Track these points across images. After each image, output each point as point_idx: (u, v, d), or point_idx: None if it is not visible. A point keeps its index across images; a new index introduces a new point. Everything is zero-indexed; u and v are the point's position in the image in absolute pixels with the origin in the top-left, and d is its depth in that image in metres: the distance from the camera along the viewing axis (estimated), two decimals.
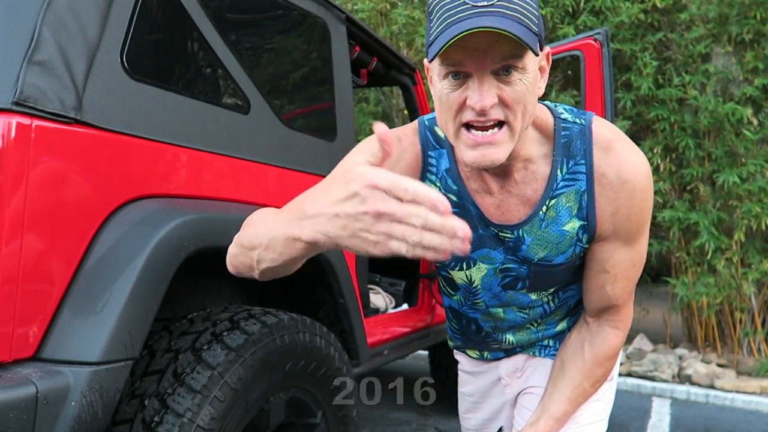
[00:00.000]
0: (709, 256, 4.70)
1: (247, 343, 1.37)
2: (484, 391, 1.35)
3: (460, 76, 0.87)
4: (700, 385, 4.42)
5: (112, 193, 1.26)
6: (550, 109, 1.04)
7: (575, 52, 2.57)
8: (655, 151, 5.03)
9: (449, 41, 0.81)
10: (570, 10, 5.35)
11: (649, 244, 4.82)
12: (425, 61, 0.95)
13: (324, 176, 1.96)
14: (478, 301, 1.17)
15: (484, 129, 0.88)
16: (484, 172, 1.03)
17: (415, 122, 1.13)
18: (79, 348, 1.14)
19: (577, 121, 1.02)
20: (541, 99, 1.02)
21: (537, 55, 0.86)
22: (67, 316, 1.16)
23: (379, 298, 2.92)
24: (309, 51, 1.96)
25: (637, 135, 5.44)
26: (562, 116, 1.03)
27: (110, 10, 1.29)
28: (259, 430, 1.47)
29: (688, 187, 5.06)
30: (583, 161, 1.00)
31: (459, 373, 1.42)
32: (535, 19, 0.85)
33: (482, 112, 0.86)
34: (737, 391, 4.30)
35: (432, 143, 1.09)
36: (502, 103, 0.87)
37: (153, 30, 1.41)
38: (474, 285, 1.14)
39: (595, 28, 4.47)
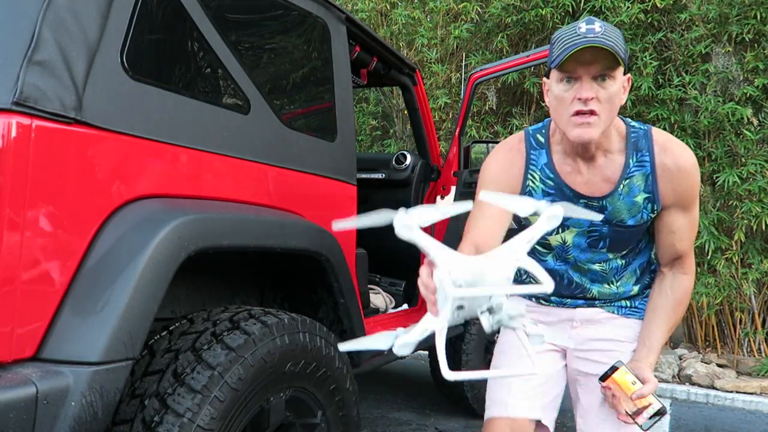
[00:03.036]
0: (709, 256, 4.69)
1: (247, 343, 1.37)
2: (548, 325, 1.63)
3: (572, 80, 1.33)
4: (700, 385, 4.41)
5: (112, 193, 1.26)
6: (623, 119, 1.49)
7: None
8: None
9: (570, 53, 1.28)
10: (570, 10, 5.36)
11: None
12: (543, 78, 1.44)
13: (324, 176, 1.98)
14: (569, 256, 1.56)
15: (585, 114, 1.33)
16: (577, 158, 1.46)
17: (522, 133, 1.57)
18: (79, 348, 1.14)
19: (642, 127, 1.48)
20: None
21: (624, 72, 1.35)
22: (67, 316, 1.16)
23: (379, 298, 2.92)
24: (309, 51, 1.96)
25: None
26: (632, 124, 1.48)
27: (110, 10, 1.29)
28: (259, 430, 1.47)
29: None
30: (647, 153, 1.45)
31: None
32: (623, 49, 1.32)
33: (585, 102, 1.31)
34: (737, 391, 4.30)
35: (534, 145, 1.53)
36: (597, 99, 1.32)
37: (153, 30, 1.41)
38: (566, 244, 1.55)
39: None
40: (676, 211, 1.47)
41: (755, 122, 4.73)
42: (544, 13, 5.31)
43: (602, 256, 1.55)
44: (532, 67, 4.67)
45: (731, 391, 4.30)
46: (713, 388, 4.38)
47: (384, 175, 3.23)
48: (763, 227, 4.53)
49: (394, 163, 3.20)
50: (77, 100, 1.19)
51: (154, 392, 1.27)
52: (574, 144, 1.41)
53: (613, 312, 1.59)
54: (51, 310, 1.15)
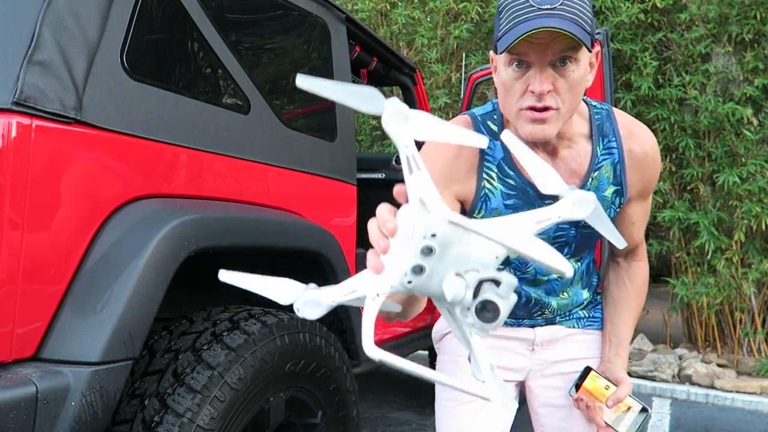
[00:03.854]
0: (709, 256, 4.69)
1: (247, 343, 1.37)
2: (507, 350, 1.41)
3: (523, 65, 1.06)
4: (700, 385, 4.42)
5: (112, 193, 1.26)
6: (583, 98, 1.23)
7: None
8: None
9: (518, 38, 1.00)
10: None
11: (649, 245, 4.85)
12: (491, 53, 1.15)
13: (324, 176, 1.98)
14: (529, 268, 1.32)
15: (540, 111, 1.07)
16: (537, 150, 1.19)
17: (467, 117, 1.27)
18: (79, 348, 1.14)
19: (603, 107, 1.26)
20: None
21: (590, 51, 1.07)
22: (67, 316, 1.16)
23: None
24: (309, 51, 1.96)
25: None
26: (593, 104, 1.26)
27: (110, 10, 1.29)
28: (259, 430, 1.47)
29: (688, 187, 5.06)
30: (614, 138, 1.23)
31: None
32: (589, 21, 1.06)
33: (540, 96, 1.05)
34: (737, 391, 4.30)
35: (486, 135, 1.23)
36: (555, 91, 1.06)
37: (153, 30, 1.41)
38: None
39: (595, 28, 4.47)
40: (637, 202, 1.30)
41: (755, 122, 4.73)
42: None
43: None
44: None
45: (731, 391, 4.30)
46: (713, 388, 4.39)
47: (384, 175, 3.23)
48: (763, 227, 4.53)
49: (394, 163, 3.20)
50: (77, 100, 1.19)
51: (154, 392, 1.27)
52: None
53: (572, 326, 1.39)
54: (51, 310, 1.15)
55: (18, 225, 1.08)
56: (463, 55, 5.87)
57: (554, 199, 1.10)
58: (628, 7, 5.06)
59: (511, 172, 1.22)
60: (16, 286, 1.08)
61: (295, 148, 1.82)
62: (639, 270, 1.38)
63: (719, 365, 4.71)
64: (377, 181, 3.25)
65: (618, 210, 1.28)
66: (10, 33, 1.14)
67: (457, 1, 5.80)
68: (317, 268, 1.82)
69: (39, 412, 1.05)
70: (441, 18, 5.96)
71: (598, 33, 2.52)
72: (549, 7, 1.01)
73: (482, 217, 1.22)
